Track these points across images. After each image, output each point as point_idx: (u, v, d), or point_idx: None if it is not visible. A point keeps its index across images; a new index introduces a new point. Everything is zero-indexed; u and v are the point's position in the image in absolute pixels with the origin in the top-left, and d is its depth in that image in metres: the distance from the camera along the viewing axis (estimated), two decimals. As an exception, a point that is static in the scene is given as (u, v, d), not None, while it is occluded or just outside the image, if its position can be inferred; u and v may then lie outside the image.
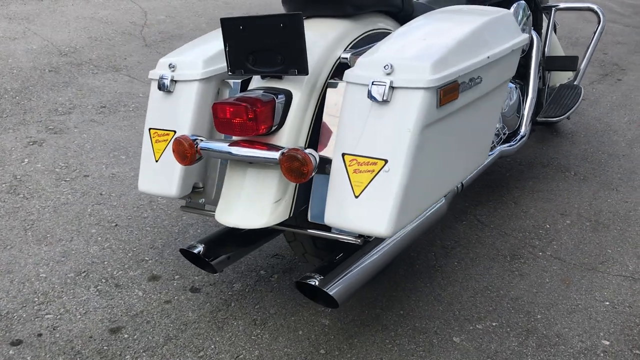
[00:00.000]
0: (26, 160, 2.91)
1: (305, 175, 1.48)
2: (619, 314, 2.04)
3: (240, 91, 1.85)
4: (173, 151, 1.70)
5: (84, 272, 2.14)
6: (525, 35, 1.85)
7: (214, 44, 1.92)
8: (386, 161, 1.42)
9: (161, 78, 1.80)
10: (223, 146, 1.64)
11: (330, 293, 1.58)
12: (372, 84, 1.44)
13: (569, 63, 2.85)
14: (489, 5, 2.60)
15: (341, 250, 1.92)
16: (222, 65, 1.83)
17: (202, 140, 1.68)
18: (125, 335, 1.86)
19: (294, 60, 1.56)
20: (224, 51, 1.65)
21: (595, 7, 2.98)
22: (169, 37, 4.66)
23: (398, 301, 2.05)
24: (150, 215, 2.51)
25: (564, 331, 1.95)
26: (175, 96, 1.80)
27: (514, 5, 2.63)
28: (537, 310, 2.05)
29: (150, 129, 1.86)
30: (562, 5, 2.98)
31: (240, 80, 1.86)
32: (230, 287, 2.09)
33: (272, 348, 1.83)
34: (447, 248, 2.38)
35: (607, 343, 1.91)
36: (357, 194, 1.46)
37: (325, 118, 1.64)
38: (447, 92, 1.46)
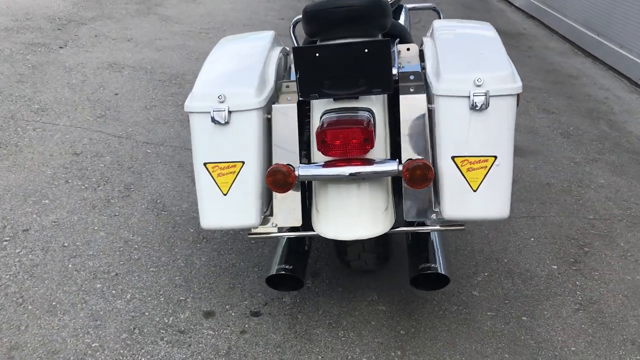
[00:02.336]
0: None
1: (430, 180, 1.77)
2: (545, 245, 2.76)
3: (298, 113, 1.98)
4: (269, 182, 1.79)
5: (135, 328, 2.05)
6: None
7: (244, 67, 1.97)
8: (496, 157, 1.80)
9: (214, 111, 1.81)
10: (328, 169, 1.80)
11: (448, 275, 1.93)
12: (474, 95, 1.78)
13: None
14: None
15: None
16: (269, 90, 1.94)
17: (292, 167, 1.80)
18: (237, 373, 1.92)
19: (379, 80, 1.77)
20: (295, 78, 1.78)
21: (435, 6, 3.62)
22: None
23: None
24: (141, 255, 2.42)
25: (527, 266, 2.59)
26: (234, 127, 1.82)
27: (404, 9, 3.11)
28: (501, 256, 2.65)
29: (205, 163, 1.85)
30: (409, 5, 3.55)
31: (295, 104, 1.97)
32: (282, 302, 2.23)
33: (365, 342, 2.08)
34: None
35: (555, 267, 2.61)
36: (475, 188, 1.81)
37: (404, 128, 1.92)
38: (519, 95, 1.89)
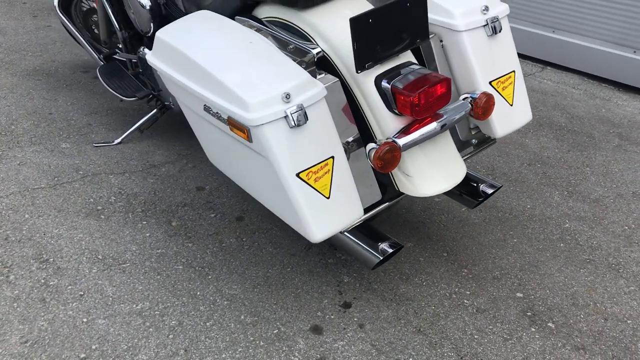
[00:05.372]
0: None
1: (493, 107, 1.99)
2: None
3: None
4: (380, 166, 1.78)
5: (282, 384, 1.81)
6: None
7: (264, 56, 1.78)
8: (514, 71, 2.11)
9: (292, 113, 1.62)
10: (421, 131, 1.86)
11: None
12: (492, 22, 2.02)
13: None
14: None
15: None
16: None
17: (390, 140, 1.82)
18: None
19: (420, 31, 1.87)
20: (353, 51, 1.75)
21: None
22: None
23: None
24: (170, 317, 1.99)
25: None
26: (312, 123, 1.67)
27: None
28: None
29: (298, 174, 1.67)
30: None
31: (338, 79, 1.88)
32: (347, 284, 2.20)
33: (438, 277, 2.26)
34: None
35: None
36: (511, 103, 2.11)
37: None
38: None
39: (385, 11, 1.75)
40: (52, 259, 2.19)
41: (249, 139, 1.69)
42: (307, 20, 2.00)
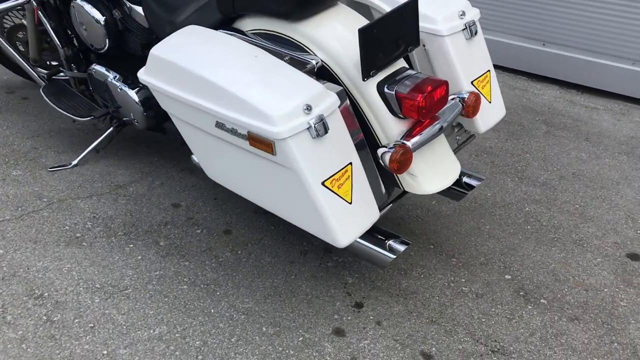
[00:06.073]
0: None
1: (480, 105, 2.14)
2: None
3: None
4: (395, 168, 1.89)
5: (323, 389, 1.84)
6: None
7: (272, 68, 1.82)
8: (489, 70, 2.27)
9: (315, 124, 1.66)
10: (428, 131, 1.96)
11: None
12: (470, 25, 2.16)
13: None
14: None
15: None
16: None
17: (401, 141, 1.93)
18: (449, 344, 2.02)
19: (413, 38, 2.00)
20: (361, 60, 1.86)
21: None
22: None
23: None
24: (197, 340, 1.95)
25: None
26: (331, 131, 1.72)
27: None
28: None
29: (323, 182, 1.71)
30: None
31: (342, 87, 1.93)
32: (352, 284, 2.26)
33: (434, 267, 2.38)
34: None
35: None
36: (490, 100, 2.27)
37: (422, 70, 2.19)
38: None
39: (386, 21, 1.84)
40: (46, 294, 2.06)
41: (273, 152, 1.70)
42: (301, 31, 2.02)
